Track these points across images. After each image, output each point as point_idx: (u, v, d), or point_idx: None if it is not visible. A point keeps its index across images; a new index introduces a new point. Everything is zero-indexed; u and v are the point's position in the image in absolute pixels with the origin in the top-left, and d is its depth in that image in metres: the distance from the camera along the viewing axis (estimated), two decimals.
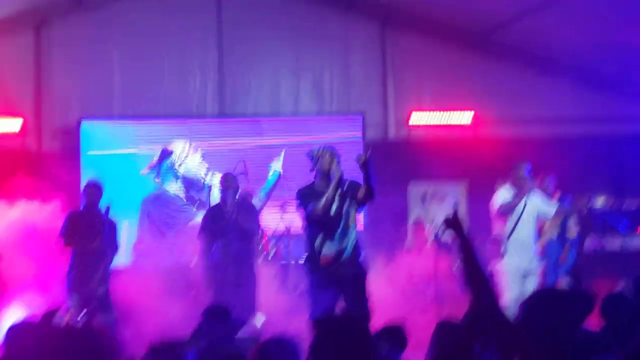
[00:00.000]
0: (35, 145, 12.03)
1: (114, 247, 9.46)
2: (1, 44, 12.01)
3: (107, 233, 9.26)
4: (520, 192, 9.47)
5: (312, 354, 3.72)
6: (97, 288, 9.28)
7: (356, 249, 7.93)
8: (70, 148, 11.94)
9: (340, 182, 7.75)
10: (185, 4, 12.70)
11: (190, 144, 12.12)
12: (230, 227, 9.33)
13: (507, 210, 9.44)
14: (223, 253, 9.37)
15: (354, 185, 7.90)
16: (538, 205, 9.54)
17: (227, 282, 9.31)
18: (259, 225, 9.80)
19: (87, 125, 12.04)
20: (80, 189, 11.24)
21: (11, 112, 11.98)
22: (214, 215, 9.55)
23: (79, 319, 8.29)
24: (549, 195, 9.93)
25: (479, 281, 3.79)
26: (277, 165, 11.55)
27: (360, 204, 7.91)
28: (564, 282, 9.86)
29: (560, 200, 10.10)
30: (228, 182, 9.51)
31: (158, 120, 12.45)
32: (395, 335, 6.06)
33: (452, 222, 4.14)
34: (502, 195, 9.64)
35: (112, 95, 12.44)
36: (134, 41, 12.57)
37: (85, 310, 8.66)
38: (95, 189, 9.40)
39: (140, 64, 12.48)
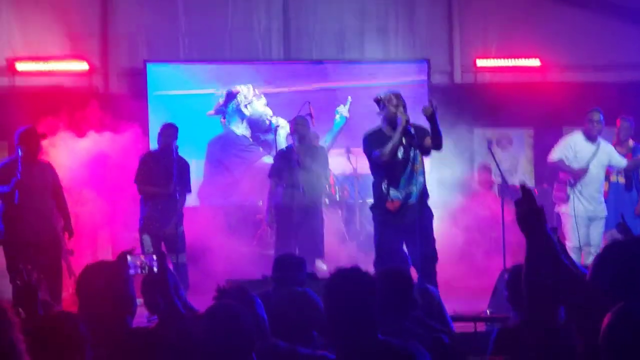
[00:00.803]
0: (102, 86, 12.05)
1: (186, 188, 9.47)
2: None
3: (179, 174, 9.29)
4: (592, 139, 9.43)
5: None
6: (172, 230, 9.31)
7: (423, 193, 7.93)
8: (137, 89, 11.96)
9: (407, 127, 7.70)
10: None
11: (254, 88, 12.19)
12: (298, 169, 9.50)
13: (561, 169, 9.42)
14: (290, 195, 9.48)
15: (421, 131, 7.87)
16: (610, 154, 9.49)
17: (291, 224, 9.36)
18: (326, 168, 9.84)
19: (153, 67, 12.06)
20: (147, 130, 11.43)
21: (78, 55, 12.04)
22: (284, 156, 9.62)
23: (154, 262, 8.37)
24: (624, 141, 9.81)
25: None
26: (343, 110, 11.60)
27: (426, 152, 7.87)
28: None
29: (635, 149, 10.00)
30: (298, 125, 9.56)
31: (223, 63, 12.46)
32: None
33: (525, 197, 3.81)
34: (575, 140, 9.57)
35: (177, 37, 12.45)
36: None
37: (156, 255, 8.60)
38: (171, 130, 9.39)
39: (205, 6, 12.45)
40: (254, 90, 12.15)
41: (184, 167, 9.54)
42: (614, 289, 3.52)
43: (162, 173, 9.27)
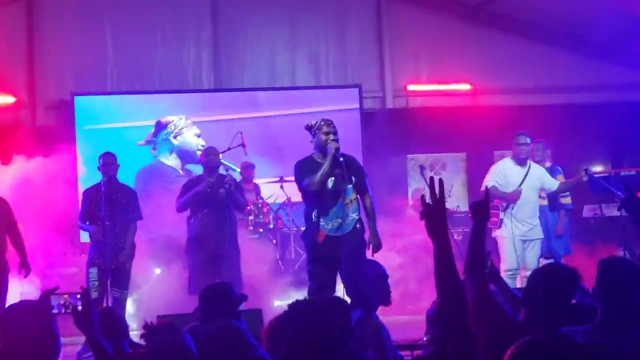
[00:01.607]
0: (29, 119, 12.05)
1: (135, 216, 9.36)
2: None
3: (128, 204, 9.24)
4: (521, 162, 9.57)
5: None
6: (120, 263, 9.21)
7: (356, 227, 7.84)
8: (65, 123, 11.96)
9: (336, 156, 7.68)
10: None
11: (187, 118, 12.18)
12: (210, 199, 9.30)
13: (495, 196, 9.56)
14: (204, 226, 9.33)
15: (353, 163, 7.90)
16: (542, 177, 9.62)
17: (205, 256, 9.22)
18: (244, 199, 9.72)
19: (81, 100, 12.03)
20: (75, 163, 11.34)
21: (4, 88, 11.97)
22: (191, 185, 9.47)
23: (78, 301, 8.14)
24: (539, 162, 10.11)
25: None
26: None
27: (358, 189, 7.90)
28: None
29: (552, 168, 10.24)
30: (208, 156, 9.46)
31: (153, 93, 12.53)
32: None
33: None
34: (504, 165, 9.71)
35: (106, 69, 12.44)
36: (127, 14, 12.57)
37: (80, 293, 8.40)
38: (111, 158, 9.27)
39: (133, 37, 12.46)
40: (186, 120, 12.17)
41: (131, 195, 9.40)
42: (545, 314, 3.65)
43: (107, 204, 9.11)
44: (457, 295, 3.45)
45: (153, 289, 10.55)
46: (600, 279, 4.20)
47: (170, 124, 12.23)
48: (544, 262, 9.39)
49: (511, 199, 9.56)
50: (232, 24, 12.75)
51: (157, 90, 12.42)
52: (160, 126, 12.18)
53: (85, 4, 12.49)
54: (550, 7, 12.23)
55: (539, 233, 9.55)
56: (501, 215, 9.67)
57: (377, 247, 7.71)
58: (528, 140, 9.63)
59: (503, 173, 9.70)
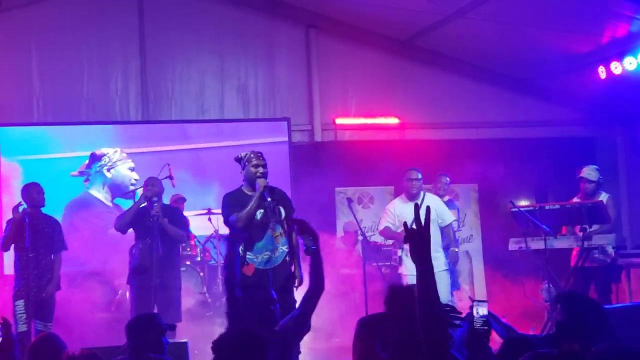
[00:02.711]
0: None
1: (60, 247, 9.30)
2: None
3: (52, 234, 9.19)
4: (412, 198, 9.76)
5: None
6: (46, 295, 9.15)
7: (286, 256, 7.87)
8: None
9: (263, 194, 7.76)
10: (106, 6, 12.66)
11: (122, 151, 12.19)
12: (151, 230, 9.27)
13: (387, 237, 9.71)
14: (147, 255, 9.29)
15: (282, 197, 7.98)
16: (437, 208, 9.77)
17: (148, 286, 9.17)
18: (185, 229, 9.71)
19: (5, 130, 11.96)
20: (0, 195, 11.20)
21: None
22: (138, 216, 9.42)
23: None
24: (441, 196, 10.53)
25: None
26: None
27: (288, 225, 7.87)
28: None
29: (448, 202, 10.61)
30: (149, 186, 9.43)
31: (79, 124, 12.50)
32: None
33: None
34: (394, 207, 9.88)
35: (32, 100, 12.38)
36: (54, 44, 12.51)
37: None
38: (36, 188, 9.25)
39: (60, 68, 12.43)
40: (121, 153, 12.15)
41: (55, 226, 9.34)
42: None
43: (32, 234, 9.02)
44: (438, 319, 3.59)
45: (80, 321, 10.40)
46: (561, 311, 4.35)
47: (105, 157, 12.21)
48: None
49: (402, 239, 9.71)
50: (161, 56, 12.81)
51: (84, 122, 12.36)
52: (94, 158, 12.16)
53: (11, 34, 12.36)
54: (475, 44, 12.46)
55: (442, 265, 9.64)
56: (399, 252, 9.83)
57: (299, 283, 7.75)
58: (419, 176, 9.81)
59: (394, 212, 9.93)
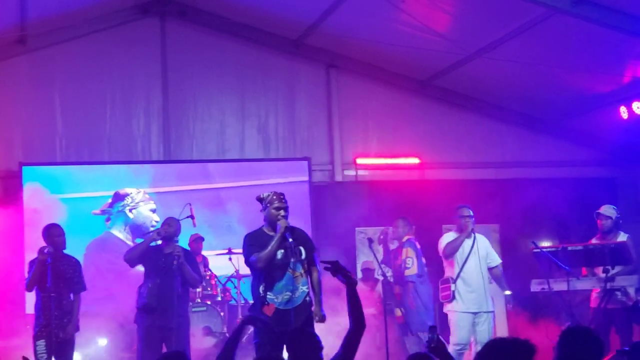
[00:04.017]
0: None
1: (79, 287, 9.44)
2: None
3: (73, 275, 9.34)
4: (462, 234, 9.82)
5: None
6: (66, 335, 9.26)
7: (307, 297, 7.95)
8: (13, 192, 12.17)
9: (285, 236, 7.83)
10: (130, 46, 12.93)
11: (145, 192, 12.43)
12: (163, 267, 9.38)
13: (451, 251, 9.78)
14: (151, 294, 9.38)
15: (303, 237, 8.04)
16: (487, 248, 9.88)
17: (157, 326, 9.24)
18: (198, 273, 9.78)
19: (29, 170, 12.33)
20: (23, 233, 11.44)
21: None
22: (147, 248, 9.54)
23: None
24: (402, 236, 11.11)
25: None
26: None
27: (308, 261, 7.98)
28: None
29: (408, 241, 11.02)
30: (165, 225, 9.55)
31: (101, 164, 12.79)
32: None
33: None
34: (448, 238, 9.97)
35: (55, 139, 12.67)
36: (77, 84, 12.79)
37: None
38: (57, 230, 9.39)
39: (83, 107, 12.74)
40: (144, 194, 12.41)
41: (75, 266, 9.47)
42: None
43: (53, 275, 9.14)
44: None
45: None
46: (561, 347, 4.61)
47: (128, 197, 12.44)
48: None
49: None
50: (182, 95, 13.09)
51: (106, 162, 12.66)
52: (117, 197, 12.41)
53: (36, 72, 12.71)
54: (496, 84, 12.62)
55: (489, 306, 9.73)
56: (452, 287, 9.85)
57: (322, 320, 7.85)
58: (471, 213, 9.90)
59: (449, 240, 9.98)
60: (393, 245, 11.38)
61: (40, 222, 10.48)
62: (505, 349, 4.29)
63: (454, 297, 9.82)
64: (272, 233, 7.85)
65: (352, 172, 13.39)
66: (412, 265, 10.83)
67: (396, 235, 11.03)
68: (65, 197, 12.31)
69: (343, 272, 5.89)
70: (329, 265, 6.05)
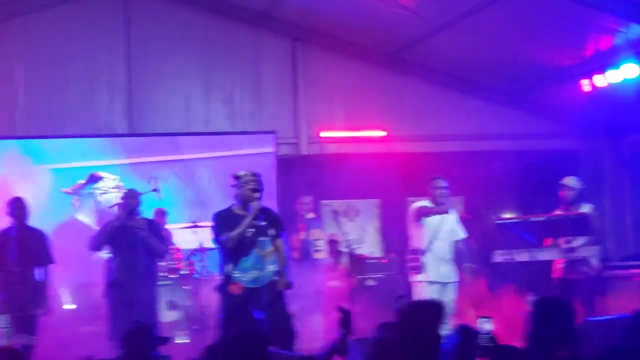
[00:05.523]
0: None
1: (46, 260, 9.59)
2: None
3: (39, 248, 9.44)
4: (440, 208, 9.93)
5: None
6: (29, 311, 9.39)
7: (275, 276, 8.12)
8: None
9: (259, 216, 8.03)
10: (92, 18, 13.01)
11: (119, 180, 12.61)
12: (127, 241, 9.54)
13: (424, 214, 9.87)
14: (119, 269, 9.58)
15: (272, 217, 8.23)
16: (455, 221, 10.05)
17: (126, 300, 9.42)
18: (165, 244, 9.95)
19: None
20: None
21: None
22: (111, 227, 9.69)
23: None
24: (306, 213, 11.46)
25: None
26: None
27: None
28: None
29: (314, 220, 11.50)
30: (127, 198, 9.72)
31: (61, 137, 12.87)
32: None
33: None
34: (421, 204, 10.09)
35: (15, 113, 12.77)
36: (38, 57, 12.87)
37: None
38: (22, 205, 9.65)
39: (44, 80, 12.82)
40: (118, 183, 12.56)
41: (41, 238, 9.64)
42: None
43: (15, 252, 9.33)
44: None
45: (66, 334, 10.69)
46: (535, 317, 4.80)
47: (101, 181, 12.62)
48: None
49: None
50: (146, 68, 13.19)
51: (68, 135, 12.74)
52: (92, 179, 12.61)
53: None
54: (461, 57, 12.82)
55: (452, 277, 9.90)
56: (422, 259, 10.00)
57: (287, 287, 8.08)
58: (446, 184, 10.03)
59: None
60: None
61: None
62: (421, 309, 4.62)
63: (423, 269, 9.94)
64: (242, 212, 8.00)
65: (317, 146, 13.60)
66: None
67: (300, 214, 11.43)
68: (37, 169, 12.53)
69: (347, 325, 5.95)
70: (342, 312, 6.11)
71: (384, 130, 13.54)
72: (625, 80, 11.17)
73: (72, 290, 11.56)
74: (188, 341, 10.88)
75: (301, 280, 10.48)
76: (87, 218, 12.65)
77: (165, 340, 7.04)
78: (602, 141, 14.00)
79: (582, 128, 13.77)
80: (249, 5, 13.23)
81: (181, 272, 11.50)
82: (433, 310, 4.60)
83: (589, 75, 11.58)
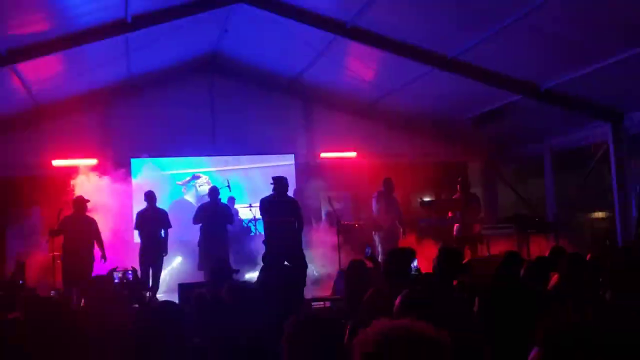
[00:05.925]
0: (110, 173, 12.22)
1: (166, 227, 10.31)
2: None
3: (163, 220, 10.40)
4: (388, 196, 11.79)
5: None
6: (157, 259, 10.02)
7: (299, 243, 8.53)
8: (123, 177, 12.38)
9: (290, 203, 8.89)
10: (192, 86, 13.26)
11: (208, 179, 12.51)
12: (212, 216, 10.34)
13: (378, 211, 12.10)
14: (205, 231, 10.29)
15: (295, 205, 8.70)
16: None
17: (210, 248, 10.16)
18: (231, 217, 10.87)
19: (134, 161, 12.98)
20: (131, 195, 12.46)
21: (87, 153, 12.40)
22: (204, 208, 10.91)
23: (129, 274, 8.63)
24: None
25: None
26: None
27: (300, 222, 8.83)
28: None
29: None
30: (211, 191, 10.94)
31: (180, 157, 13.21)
32: None
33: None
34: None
35: (150, 140, 12.65)
36: (163, 109, 13.17)
37: (132, 270, 8.72)
38: (153, 195, 10.49)
39: (168, 121, 12.85)
40: (207, 180, 12.62)
41: (164, 214, 10.72)
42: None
43: (149, 223, 10.30)
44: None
45: (178, 269, 11.87)
46: (439, 260, 4.87)
47: (200, 179, 12.80)
48: None
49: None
50: (224, 117, 13.17)
51: (180, 154, 12.79)
52: (193, 177, 12.76)
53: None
54: (409, 107, 12.98)
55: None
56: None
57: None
58: (391, 182, 11.57)
59: (377, 198, 11.66)
60: None
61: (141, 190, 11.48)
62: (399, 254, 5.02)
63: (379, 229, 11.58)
64: (277, 200, 8.55)
65: (319, 161, 13.68)
66: None
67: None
68: (163, 174, 12.46)
69: (375, 261, 6.37)
70: (370, 256, 6.49)
71: (355, 151, 13.85)
72: None
73: (179, 244, 11.53)
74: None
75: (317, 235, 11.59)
76: (191, 199, 12.59)
77: (237, 271, 6.85)
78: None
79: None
80: (281, 82, 13.22)
81: (249, 232, 12.46)
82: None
83: None
